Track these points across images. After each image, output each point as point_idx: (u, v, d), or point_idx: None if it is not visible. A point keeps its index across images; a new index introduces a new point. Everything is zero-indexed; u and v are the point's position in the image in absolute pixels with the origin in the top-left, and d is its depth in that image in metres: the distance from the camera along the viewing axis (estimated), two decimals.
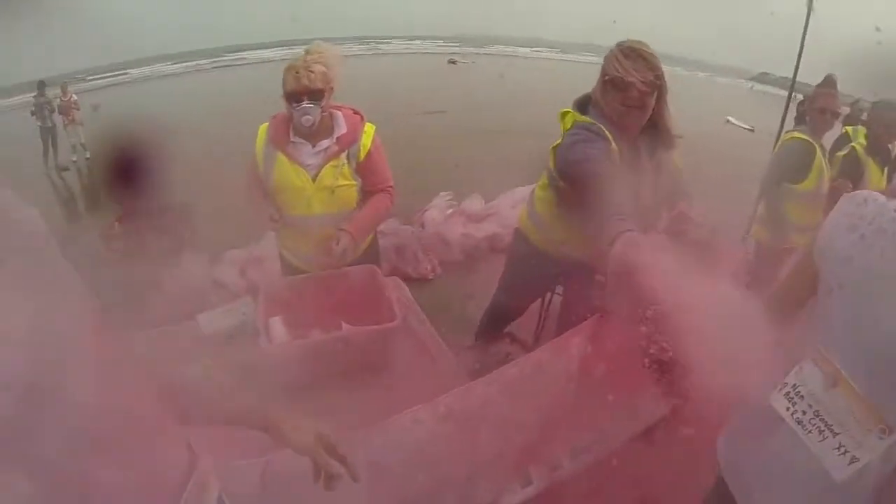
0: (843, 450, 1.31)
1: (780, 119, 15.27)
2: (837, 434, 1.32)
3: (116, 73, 27.46)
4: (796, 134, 3.76)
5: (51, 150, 11.47)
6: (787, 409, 1.42)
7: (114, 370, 0.87)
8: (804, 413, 1.38)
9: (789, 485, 1.47)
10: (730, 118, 17.22)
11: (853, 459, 1.30)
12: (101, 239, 5.77)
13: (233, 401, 1.27)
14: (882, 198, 1.32)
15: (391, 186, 2.83)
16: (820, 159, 3.68)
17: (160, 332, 2.68)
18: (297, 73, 2.46)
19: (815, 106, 3.71)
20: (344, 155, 2.64)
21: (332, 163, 2.62)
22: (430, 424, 1.89)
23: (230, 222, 4.61)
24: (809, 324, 1.49)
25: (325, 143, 2.63)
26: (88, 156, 11.29)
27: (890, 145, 4.15)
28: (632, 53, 2.21)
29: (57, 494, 0.75)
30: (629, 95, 2.23)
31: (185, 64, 30.72)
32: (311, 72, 2.45)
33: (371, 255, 2.97)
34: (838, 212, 1.40)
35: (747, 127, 15.05)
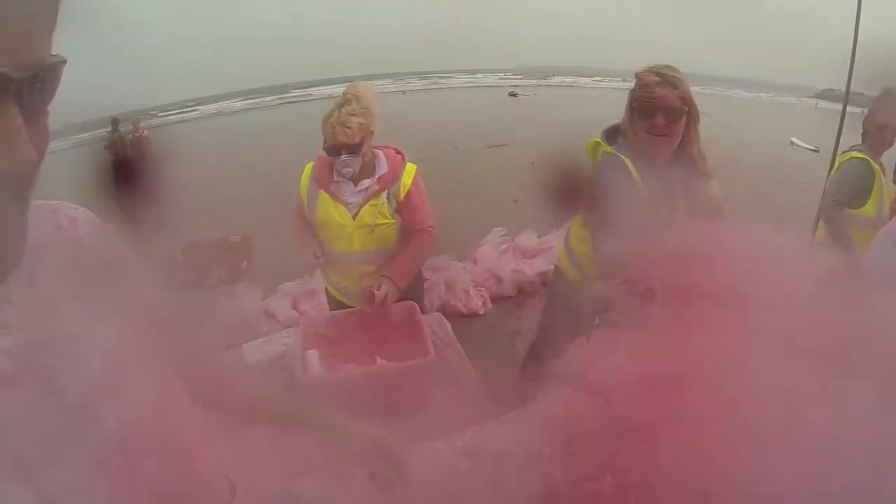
0: None
1: (852, 141, 14.78)
2: None
3: (187, 108, 28.39)
4: (854, 153, 3.43)
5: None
6: None
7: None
8: None
9: None
10: (793, 139, 16.70)
11: None
12: (166, 266, 5.92)
13: (282, 394, 1.31)
14: None
15: (431, 226, 2.79)
16: (881, 180, 3.37)
17: None
18: (333, 128, 2.45)
19: (875, 122, 3.37)
20: (384, 194, 2.64)
21: (372, 201, 2.63)
22: (448, 458, 1.87)
23: (287, 256, 4.73)
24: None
25: (366, 182, 2.64)
26: None
27: None
28: (657, 78, 2.13)
29: None
30: (655, 123, 2.15)
31: (252, 100, 31.56)
32: (348, 127, 2.43)
33: (414, 291, 2.92)
34: (886, 230, 1.51)
35: (812, 148, 14.48)
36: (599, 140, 2.39)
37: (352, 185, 2.63)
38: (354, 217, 2.63)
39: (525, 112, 22.60)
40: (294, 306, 4.99)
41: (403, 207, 2.67)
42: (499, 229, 6.27)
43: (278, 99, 32.52)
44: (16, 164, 0.53)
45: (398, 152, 2.76)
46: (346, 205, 2.64)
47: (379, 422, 2.07)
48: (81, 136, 16.21)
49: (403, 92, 31.73)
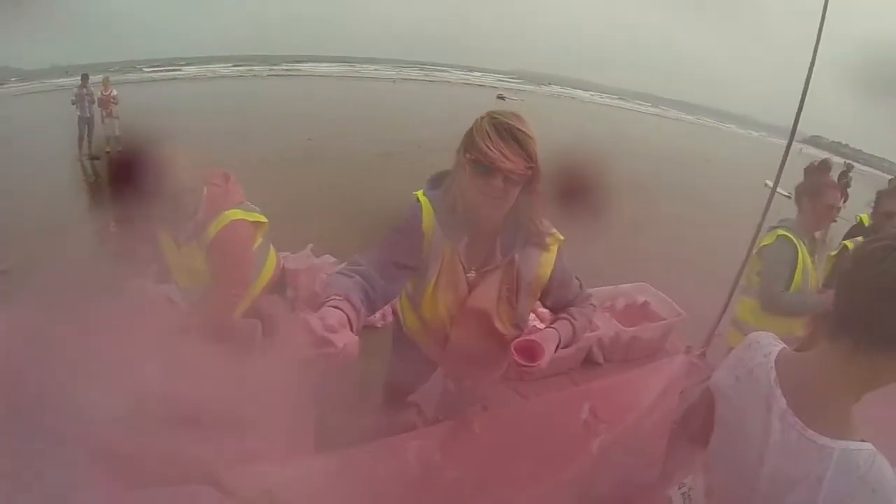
0: None
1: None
2: None
3: (174, 67, 28.05)
4: (779, 231, 3.16)
5: (86, 138, 11.66)
6: None
7: None
8: None
9: None
10: (768, 182, 16.49)
11: None
12: (98, 236, 5.69)
13: None
14: (767, 341, 1.43)
15: (230, 293, 2.54)
16: (805, 258, 3.11)
17: None
18: None
19: (820, 202, 3.09)
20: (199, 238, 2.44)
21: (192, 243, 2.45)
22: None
23: None
24: (712, 438, 1.55)
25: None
26: (121, 149, 11.38)
27: None
28: (504, 132, 1.68)
29: None
30: (492, 184, 1.70)
31: (240, 68, 31.22)
32: None
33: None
34: (734, 351, 1.53)
35: (785, 193, 14.56)
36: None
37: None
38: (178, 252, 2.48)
39: None
40: None
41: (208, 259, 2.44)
42: None
43: (269, 70, 32.17)
44: None
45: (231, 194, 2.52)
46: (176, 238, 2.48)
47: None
48: (62, 80, 16.13)
49: (393, 80, 31.66)
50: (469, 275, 1.90)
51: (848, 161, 18.45)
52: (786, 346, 1.41)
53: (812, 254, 3.20)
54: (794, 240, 3.11)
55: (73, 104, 11.53)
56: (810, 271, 3.15)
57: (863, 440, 1.19)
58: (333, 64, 37.19)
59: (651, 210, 9.51)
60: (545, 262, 1.92)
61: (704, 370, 3.39)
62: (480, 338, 2.00)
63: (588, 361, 3.43)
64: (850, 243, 3.43)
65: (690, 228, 8.45)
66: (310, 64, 36.31)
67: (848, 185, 13.83)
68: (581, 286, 2.08)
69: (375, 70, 36.79)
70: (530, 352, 1.76)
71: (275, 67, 32.88)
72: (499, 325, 1.97)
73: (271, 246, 2.76)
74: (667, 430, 2.58)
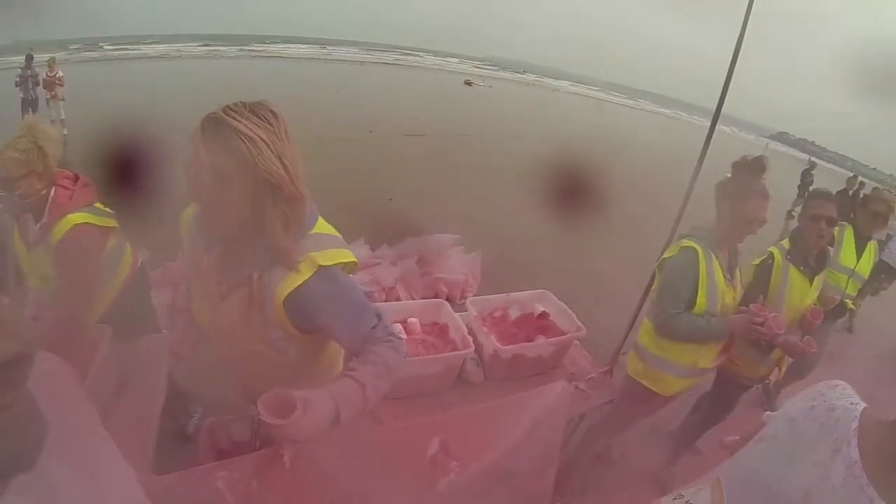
0: None
1: (794, 184, 14.62)
2: None
3: (142, 43, 27.57)
4: (685, 242, 2.66)
5: None
6: None
7: None
8: None
9: None
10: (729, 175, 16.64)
11: None
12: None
13: None
14: (853, 392, 1.41)
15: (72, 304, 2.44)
16: (707, 269, 2.61)
17: None
18: None
19: (742, 211, 2.57)
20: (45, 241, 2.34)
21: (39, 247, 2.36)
22: None
23: None
24: (731, 460, 1.57)
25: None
26: (66, 132, 11.01)
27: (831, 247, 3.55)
28: (209, 123, 1.37)
29: None
30: (198, 183, 1.41)
31: (208, 48, 30.72)
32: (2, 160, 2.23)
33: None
34: (818, 385, 1.48)
35: None
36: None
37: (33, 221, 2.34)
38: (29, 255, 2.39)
39: (470, 103, 22.17)
40: None
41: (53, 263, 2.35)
42: None
43: (238, 50, 31.66)
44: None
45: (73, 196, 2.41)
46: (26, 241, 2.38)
47: None
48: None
49: (361, 62, 31.32)
50: (221, 288, 1.63)
51: (812, 158, 18.29)
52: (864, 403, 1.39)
53: (729, 268, 2.72)
54: (700, 252, 2.58)
55: (16, 86, 10.97)
56: (722, 290, 2.62)
57: None
58: (304, 45, 36.76)
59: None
60: (287, 285, 1.52)
61: (608, 391, 3.24)
62: (241, 357, 1.73)
63: (464, 381, 3.12)
64: (775, 249, 3.10)
65: (633, 231, 8.02)
66: (281, 45, 35.85)
67: (811, 183, 14.29)
68: (378, 321, 1.65)
69: (346, 52, 36.45)
70: (283, 406, 1.38)
71: (244, 48, 32.38)
72: (257, 346, 1.64)
73: (128, 247, 2.64)
74: (539, 466, 2.43)
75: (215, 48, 30.74)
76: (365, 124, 11.73)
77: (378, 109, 14.75)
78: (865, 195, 3.95)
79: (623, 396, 3.01)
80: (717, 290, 2.59)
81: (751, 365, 3.09)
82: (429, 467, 1.95)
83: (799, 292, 3.04)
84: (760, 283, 3.06)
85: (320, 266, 1.52)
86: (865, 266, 4.04)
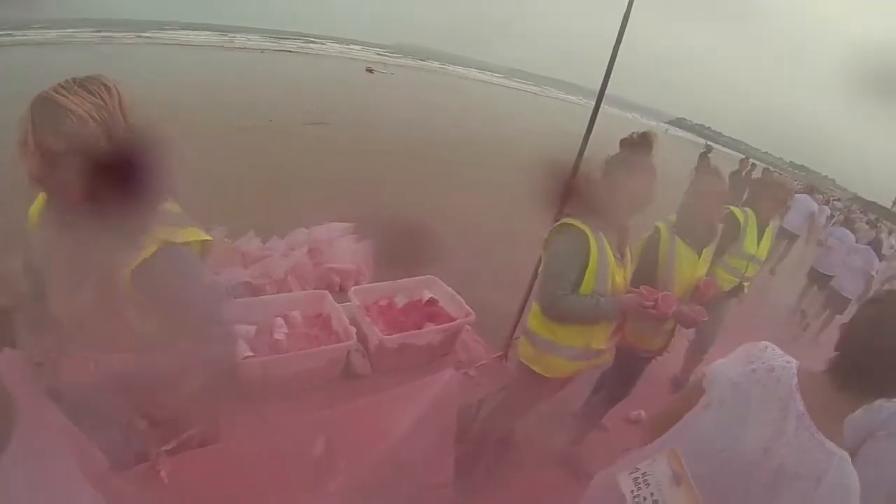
0: None
1: (691, 166, 15.11)
2: None
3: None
4: (567, 220, 2.51)
5: None
6: (632, 491, 1.60)
7: None
8: (644, 499, 1.57)
9: None
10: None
11: None
12: None
13: None
14: (779, 349, 1.58)
15: None
16: (598, 250, 2.44)
17: None
18: None
19: (627, 189, 2.44)
20: None
21: None
22: None
23: None
24: (678, 426, 1.64)
25: None
26: None
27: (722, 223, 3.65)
28: (38, 105, 1.34)
29: None
30: (32, 166, 1.39)
31: (102, 34, 29.51)
32: None
33: None
34: (740, 350, 1.63)
35: None
36: None
37: None
38: None
39: (370, 91, 22.12)
40: None
41: None
42: (220, 228, 4.53)
43: (136, 37, 30.55)
44: None
45: None
46: None
47: None
48: None
49: (262, 51, 30.68)
50: (74, 277, 1.54)
51: (708, 143, 19.09)
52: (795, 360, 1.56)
53: (619, 247, 2.60)
54: (587, 231, 2.42)
55: None
56: (612, 269, 2.49)
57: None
58: (204, 32, 35.75)
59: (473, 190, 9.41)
60: (133, 261, 1.46)
61: (502, 377, 3.20)
62: (103, 344, 1.59)
63: (351, 374, 2.94)
64: (661, 224, 3.11)
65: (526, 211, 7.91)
66: (179, 31, 34.72)
67: (708, 164, 14.35)
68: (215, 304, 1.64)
69: (248, 40, 35.65)
70: None
71: (142, 34, 31.22)
72: (116, 330, 1.57)
73: None
74: (434, 457, 2.36)
75: (109, 34, 29.47)
76: (264, 112, 11.42)
77: (278, 98, 14.45)
78: (766, 180, 4.10)
79: (517, 382, 2.90)
80: (607, 269, 2.48)
81: (646, 338, 3.14)
82: (313, 470, 1.88)
83: (688, 265, 3.06)
84: (649, 258, 3.07)
85: (166, 242, 1.47)
86: (764, 250, 4.22)
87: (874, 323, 1.43)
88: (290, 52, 34.19)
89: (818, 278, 8.22)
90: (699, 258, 3.08)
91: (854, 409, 1.45)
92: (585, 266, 2.44)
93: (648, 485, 1.59)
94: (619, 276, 2.55)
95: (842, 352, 1.45)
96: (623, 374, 3.34)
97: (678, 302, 2.67)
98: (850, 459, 1.39)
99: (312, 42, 42.32)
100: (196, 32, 35.19)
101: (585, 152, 2.94)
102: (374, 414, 2.14)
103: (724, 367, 1.61)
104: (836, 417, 1.44)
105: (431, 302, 3.35)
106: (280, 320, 3.01)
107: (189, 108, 10.66)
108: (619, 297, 2.53)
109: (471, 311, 3.13)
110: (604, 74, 3.05)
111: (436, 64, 47.34)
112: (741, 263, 4.15)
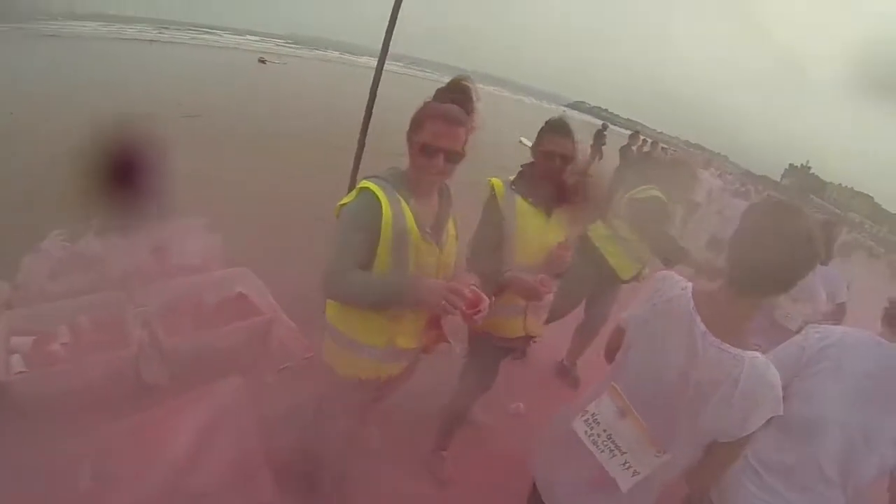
0: (627, 465, 1.70)
1: (587, 146, 15.67)
2: (624, 453, 1.71)
3: None
4: (364, 183, 2.09)
5: None
6: (586, 432, 1.78)
7: None
8: (598, 436, 1.75)
9: (589, 492, 1.82)
10: (522, 139, 19.37)
11: (635, 473, 1.69)
12: None
13: None
14: (678, 277, 1.74)
15: None
16: (392, 222, 2.02)
17: None
18: None
19: (418, 139, 2.04)
20: None
21: None
22: None
23: None
24: (612, 368, 1.85)
25: None
26: None
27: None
28: None
29: None
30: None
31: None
32: None
33: None
34: (648, 284, 1.79)
35: (527, 143, 15.33)
36: None
37: None
38: None
39: (259, 81, 21.68)
40: None
41: None
42: (57, 233, 4.11)
43: (15, 29, 29.05)
44: None
45: None
46: None
47: None
48: None
49: (151, 41, 29.63)
50: None
51: (604, 122, 19.84)
52: (691, 283, 1.71)
53: (435, 218, 2.20)
54: (381, 197, 2.01)
55: None
56: (416, 244, 2.07)
57: (756, 351, 1.58)
58: (91, 22, 34.26)
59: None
60: None
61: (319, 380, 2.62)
62: None
63: (146, 383, 2.69)
64: (496, 180, 2.71)
65: None
66: (62, 22, 33.16)
67: (604, 143, 16.25)
68: None
69: (138, 31, 34.39)
70: None
71: (23, 26, 29.68)
72: None
73: None
74: (237, 479, 2.22)
75: None
76: (142, 105, 10.93)
77: (164, 90, 13.91)
78: (671, 159, 4.04)
79: (327, 387, 2.44)
80: (406, 245, 2.05)
81: (497, 323, 2.71)
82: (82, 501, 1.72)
83: (534, 227, 2.67)
84: (488, 219, 2.66)
85: None
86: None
87: (755, 230, 1.58)
88: (183, 43, 33.15)
89: (717, 246, 8.53)
90: (548, 220, 2.69)
91: (752, 312, 1.63)
92: (376, 237, 2.02)
93: (598, 423, 1.77)
94: (429, 255, 2.13)
95: (731, 263, 1.61)
96: (481, 366, 3.00)
97: (523, 270, 2.54)
98: (761, 356, 1.57)
99: (206, 33, 41.22)
100: (81, 23, 33.76)
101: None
102: (151, 431, 1.95)
103: (633, 309, 1.81)
104: (739, 324, 1.61)
105: (241, 297, 3.13)
106: (64, 328, 2.76)
107: (64, 100, 10.17)
108: (418, 279, 2.02)
109: (276, 306, 2.92)
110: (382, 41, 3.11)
111: (335, 53, 46.90)
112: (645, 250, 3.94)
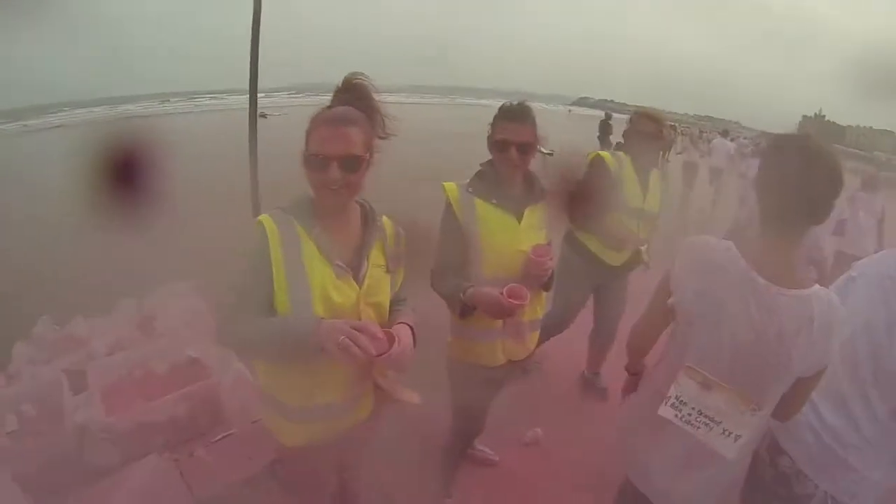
0: (727, 433, 1.67)
1: (595, 139, 15.57)
2: (720, 423, 1.68)
3: None
4: (260, 217, 1.75)
5: None
6: (676, 415, 1.72)
7: None
8: (689, 415, 1.71)
9: (685, 472, 1.80)
10: (541, 148, 18.57)
11: (737, 437, 1.66)
12: None
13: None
14: (712, 238, 1.69)
15: None
16: (284, 258, 1.66)
17: None
18: None
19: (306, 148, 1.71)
20: None
21: None
22: None
23: None
24: (674, 347, 1.78)
25: None
26: None
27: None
28: None
29: None
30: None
31: None
32: None
33: None
34: (686, 257, 1.71)
35: (547, 151, 15.18)
36: None
37: None
38: None
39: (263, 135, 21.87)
40: None
41: None
42: (45, 318, 4.01)
43: None
44: None
45: None
46: None
47: None
48: None
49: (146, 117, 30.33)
50: None
51: (608, 112, 19.80)
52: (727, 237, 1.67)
53: (347, 248, 1.78)
54: (269, 228, 1.64)
55: None
56: (321, 281, 1.66)
57: (811, 280, 1.58)
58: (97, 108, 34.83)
59: None
60: None
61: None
62: None
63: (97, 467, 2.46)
64: (450, 184, 2.34)
65: None
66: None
67: (609, 132, 16.54)
68: None
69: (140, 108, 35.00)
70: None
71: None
72: None
73: None
74: None
75: None
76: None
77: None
78: (631, 118, 3.45)
79: (279, 455, 2.03)
80: (304, 280, 1.65)
81: (471, 350, 2.40)
82: None
83: (503, 232, 2.28)
84: (445, 230, 2.30)
85: None
86: (654, 200, 3.42)
87: (781, 164, 1.53)
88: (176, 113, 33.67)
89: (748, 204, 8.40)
90: (519, 222, 2.29)
91: (796, 249, 1.58)
92: (269, 274, 1.62)
93: (686, 403, 1.70)
94: (344, 293, 1.70)
95: (764, 205, 1.57)
96: (462, 403, 2.57)
97: (495, 283, 2.12)
98: (821, 288, 1.57)
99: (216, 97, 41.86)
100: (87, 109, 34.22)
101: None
102: None
103: (681, 282, 1.70)
104: (790, 263, 1.58)
105: (195, 362, 2.87)
106: (12, 417, 2.65)
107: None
108: (319, 319, 1.57)
109: (211, 370, 2.71)
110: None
111: (314, 98, 47.76)
112: (629, 222, 3.35)
